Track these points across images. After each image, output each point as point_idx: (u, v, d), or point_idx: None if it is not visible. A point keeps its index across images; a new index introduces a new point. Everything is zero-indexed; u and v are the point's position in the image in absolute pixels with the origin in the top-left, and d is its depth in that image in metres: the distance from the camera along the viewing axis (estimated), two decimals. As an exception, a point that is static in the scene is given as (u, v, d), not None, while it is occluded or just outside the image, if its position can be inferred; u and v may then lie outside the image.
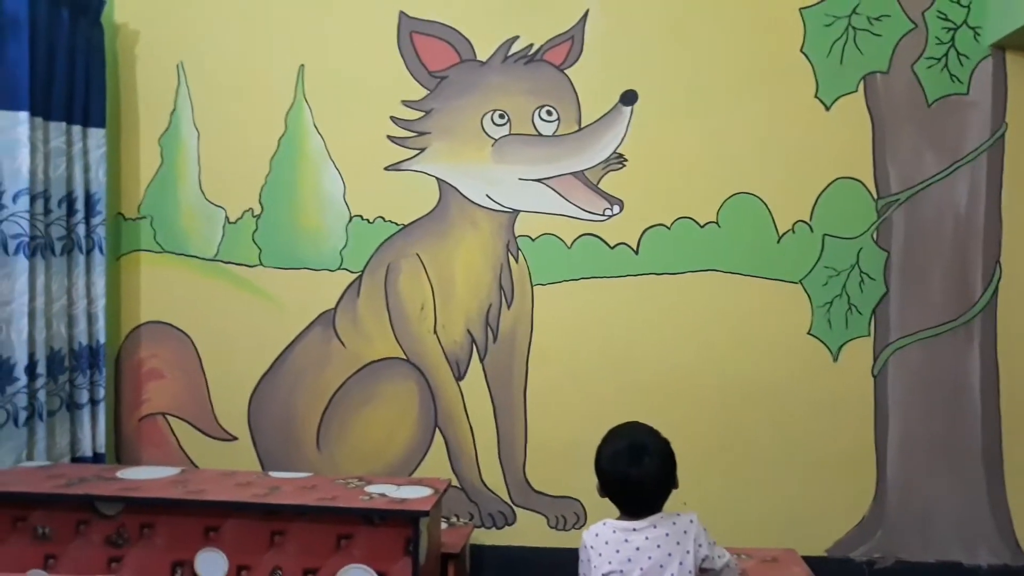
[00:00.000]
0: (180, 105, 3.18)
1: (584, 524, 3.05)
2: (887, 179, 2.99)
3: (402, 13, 3.07)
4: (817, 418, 3.00)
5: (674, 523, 1.91)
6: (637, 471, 1.91)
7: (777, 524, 2.99)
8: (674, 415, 2.94)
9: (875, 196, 2.98)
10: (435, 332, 3.09)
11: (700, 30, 3.01)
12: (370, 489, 2.32)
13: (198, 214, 3.17)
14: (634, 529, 1.90)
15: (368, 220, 3.11)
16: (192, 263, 3.18)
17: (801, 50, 2.98)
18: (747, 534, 2.87)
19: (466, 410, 3.09)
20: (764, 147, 3.00)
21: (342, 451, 3.12)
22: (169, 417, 3.19)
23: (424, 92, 3.07)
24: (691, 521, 1.92)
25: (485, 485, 3.09)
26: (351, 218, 3.11)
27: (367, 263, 3.11)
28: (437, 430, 3.10)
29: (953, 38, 2.95)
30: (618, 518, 1.96)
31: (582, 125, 3.04)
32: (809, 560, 2.59)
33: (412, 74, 3.08)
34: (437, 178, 3.09)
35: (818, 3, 2.96)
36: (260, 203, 3.14)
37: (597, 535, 1.92)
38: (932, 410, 2.99)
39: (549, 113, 3.04)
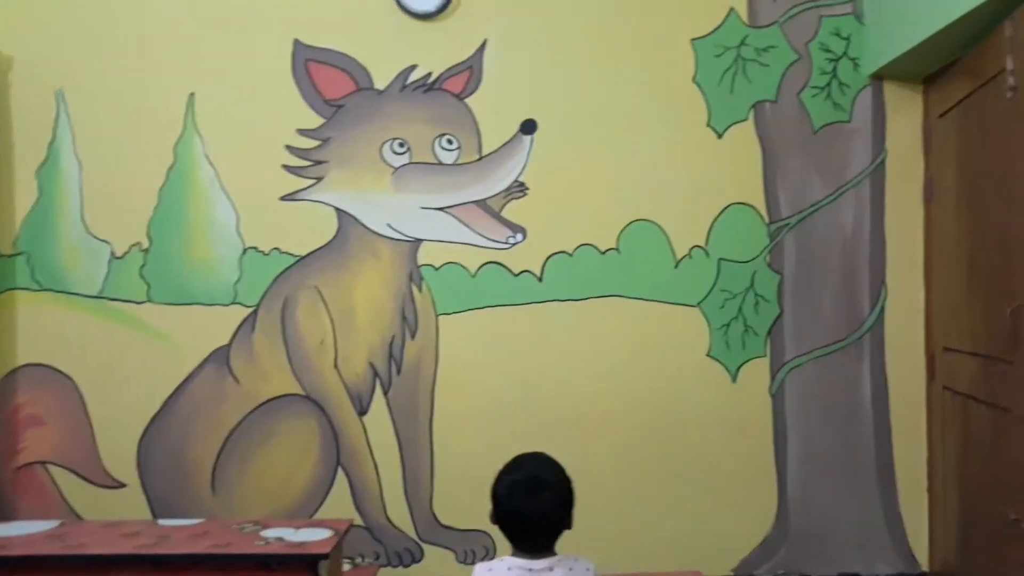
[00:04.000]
0: (59, 135, 3.01)
1: (493, 557, 2.99)
2: (778, 204, 3.08)
3: (297, 41, 3.01)
4: (718, 439, 3.05)
5: (571, 568, 1.86)
6: (532, 506, 1.86)
7: (683, 545, 3.01)
8: (579, 440, 2.97)
9: (767, 220, 3.07)
10: (336, 366, 3.00)
11: (597, 60, 3.05)
12: (266, 533, 2.22)
13: (80, 249, 3.00)
14: (530, 570, 1.84)
15: (263, 252, 3.01)
16: (74, 301, 3.00)
17: (693, 80, 3.06)
18: (653, 557, 2.89)
19: (369, 446, 3.01)
20: (661, 174, 3.06)
21: (239, 493, 2.98)
22: (49, 466, 2.99)
23: (320, 120, 3.01)
24: (587, 569, 1.88)
25: (391, 522, 3.00)
26: (245, 250, 3.01)
27: (263, 296, 3.00)
28: (340, 468, 3.00)
29: (835, 68, 3.08)
30: (513, 554, 1.91)
31: (483, 154, 3.03)
32: (716, 581, 2.63)
33: (308, 102, 3.01)
34: (335, 208, 3.02)
35: (709, 34, 3.06)
36: (148, 236, 3.00)
37: (491, 570, 1.87)
38: (828, 426, 3.08)
39: (450, 142, 3.02)
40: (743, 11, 3.06)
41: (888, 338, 3.08)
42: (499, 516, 1.90)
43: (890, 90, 3.09)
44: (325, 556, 2.05)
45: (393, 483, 3.01)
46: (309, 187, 3.01)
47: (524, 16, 3.04)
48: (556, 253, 3.03)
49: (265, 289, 3.00)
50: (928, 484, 3.05)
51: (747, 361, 3.06)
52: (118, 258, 2.99)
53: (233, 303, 3.00)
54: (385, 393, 3.02)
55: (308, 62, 3.01)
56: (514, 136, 3.03)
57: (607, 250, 3.04)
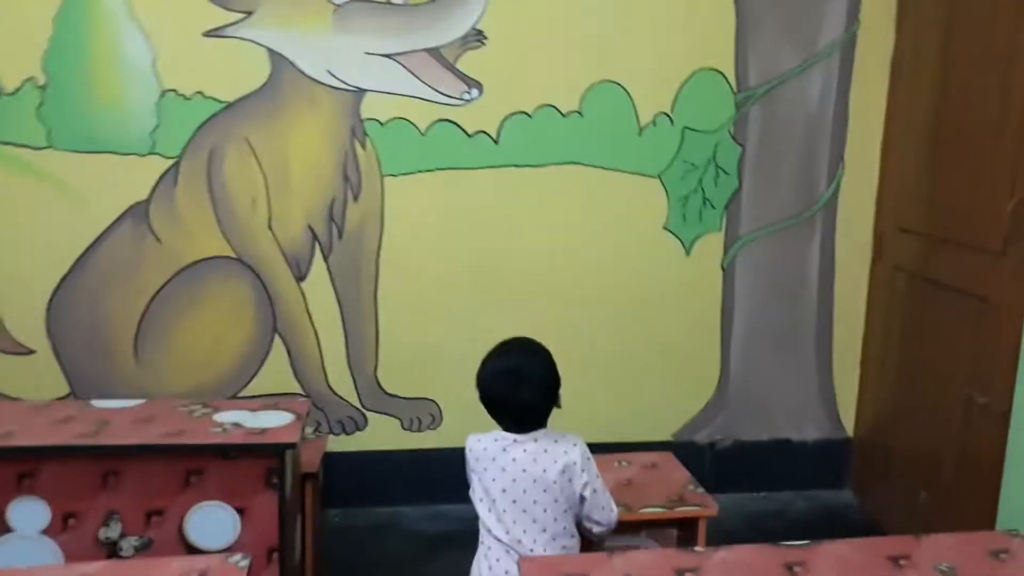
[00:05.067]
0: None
1: (439, 424, 2.94)
2: (747, 72, 2.92)
3: None
4: (668, 311, 3.01)
5: (556, 441, 1.82)
6: (514, 396, 1.79)
7: (626, 412, 3.03)
8: (528, 309, 2.88)
9: (735, 90, 2.92)
10: (270, 227, 2.74)
11: None
12: (220, 418, 2.04)
13: (-41, 83, 2.55)
14: (515, 441, 1.80)
15: (185, 96, 2.64)
16: (-46, 143, 2.58)
17: (671, -72, 2.79)
18: (601, 424, 2.89)
19: (309, 313, 2.81)
20: (630, 32, 2.82)
21: (166, 362, 2.76)
22: (-58, 331, 2.67)
23: (252, -59, 2.59)
24: (574, 444, 1.84)
25: (333, 391, 2.87)
26: (163, 93, 2.63)
27: (185, 147, 2.66)
28: (276, 336, 2.81)
29: (819, -74, 2.87)
30: (505, 429, 1.85)
31: (438, -6, 2.70)
32: (656, 444, 2.68)
33: (236, -81, 2.57)
34: (268, 48, 2.65)
35: None
36: (45, 71, 2.56)
37: (479, 441, 1.82)
38: (774, 301, 3.09)
39: (402, -23, 2.67)
40: None
41: (840, 216, 3.06)
42: (484, 402, 1.83)
43: (871, -48, 2.91)
44: (292, 445, 1.90)
45: (335, 351, 2.85)
46: (238, 22, 2.61)
47: None
48: (515, 113, 2.79)
49: (188, 139, 2.65)
50: (861, 359, 3.16)
51: (702, 235, 2.99)
52: (8, 94, 2.56)
53: (151, 153, 2.64)
54: (325, 258, 2.80)
55: None
56: (474, -24, 2.71)
57: (569, 112, 2.82)
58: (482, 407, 1.80)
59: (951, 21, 2.66)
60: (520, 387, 1.79)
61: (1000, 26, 2.40)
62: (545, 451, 1.78)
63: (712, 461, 3.10)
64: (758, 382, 3.14)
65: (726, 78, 2.90)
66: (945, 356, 2.61)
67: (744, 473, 3.12)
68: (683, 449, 2.62)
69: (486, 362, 1.85)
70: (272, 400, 2.25)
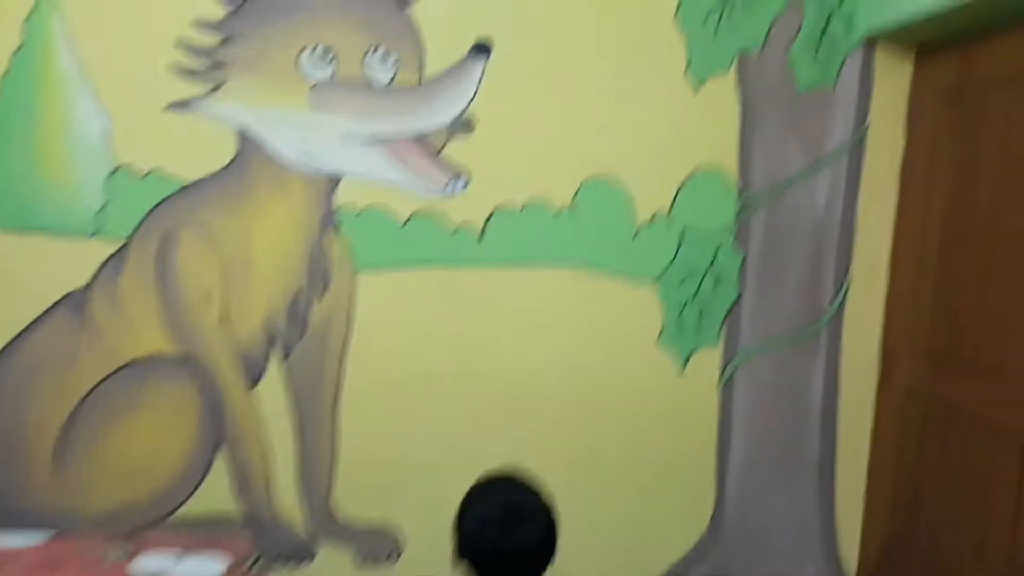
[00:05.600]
0: None
1: (398, 558, 2.58)
2: (751, 173, 2.73)
3: (196, -96, 2.34)
4: (660, 433, 2.72)
5: None
6: (509, 543, 1.49)
7: (611, 547, 2.71)
8: (508, 426, 2.61)
9: (738, 190, 2.72)
10: (224, 324, 2.44)
11: (569, -22, 2.56)
12: (137, 568, 1.68)
13: None
14: None
15: (139, 173, 2.37)
16: None
17: (675, 16, 2.62)
18: (584, 563, 2.58)
19: (260, 423, 2.49)
20: (628, 124, 2.62)
21: (91, 474, 2.40)
22: None
23: (224, 11, 2.37)
24: None
25: (278, 516, 2.52)
26: (115, 169, 2.36)
27: (135, 230, 2.38)
28: (221, 448, 2.48)
29: (827, 23, 2.72)
30: None
31: (425, 76, 2.50)
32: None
33: (208, -14, 2.37)
34: (235, 125, 2.41)
35: (698, -34, 2.62)
36: (-20, 138, 2.29)
37: None
38: (775, 423, 2.82)
39: (386, 57, 2.46)
40: (737, -61, 2.64)
41: (846, 332, 2.84)
42: (469, 554, 1.52)
43: (882, 56, 2.77)
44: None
45: (284, 469, 2.51)
46: (204, 96, 2.38)
47: (490, -86, 2.49)
48: (502, 207, 2.57)
49: (139, 221, 2.37)
50: (866, 490, 2.88)
51: (699, 349, 2.74)
52: (-65, 163, 2.28)
53: (96, 235, 2.36)
54: (284, 359, 2.50)
55: (210, -66, 2.35)
56: (464, 59, 2.50)
57: (560, 208, 2.60)
58: (454, 548, 1.49)
59: (965, 124, 2.51)
60: (519, 529, 1.49)
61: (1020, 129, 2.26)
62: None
63: (706, 600, 2.78)
64: (755, 515, 2.83)
65: (728, 178, 2.72)
66: (966, 493, 2.36)
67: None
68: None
69: (468, 506, 1.54)
70: (205, 536, 1.91)
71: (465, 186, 2.53)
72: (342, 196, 2.48)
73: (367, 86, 2.46)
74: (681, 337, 2.73)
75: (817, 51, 2.73)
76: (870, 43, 2.75)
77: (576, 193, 2.61)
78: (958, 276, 2.50)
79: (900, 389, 2.74)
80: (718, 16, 2.65)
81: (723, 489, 2.81)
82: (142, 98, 2.35)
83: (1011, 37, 2.35)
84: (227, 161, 2.41)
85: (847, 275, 2.82)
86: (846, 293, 2.82)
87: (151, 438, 2.42)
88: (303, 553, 2.53)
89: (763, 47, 2.68)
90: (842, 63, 2.74)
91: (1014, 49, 2.34)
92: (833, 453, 2.87)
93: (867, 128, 2.78)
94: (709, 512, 2.80)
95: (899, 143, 2.80)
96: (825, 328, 2.82)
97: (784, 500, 2.85)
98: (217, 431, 2.46)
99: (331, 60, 2.43)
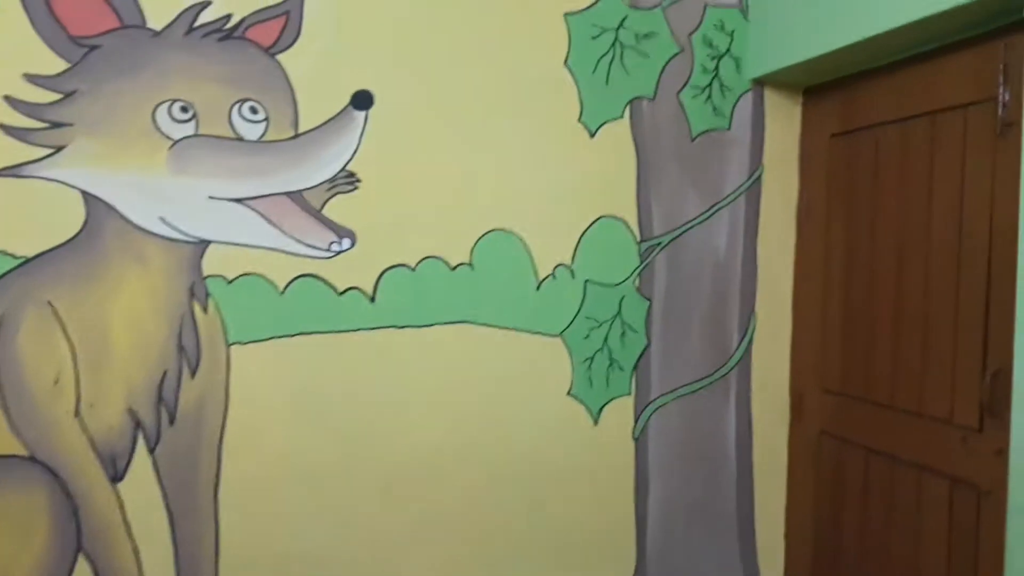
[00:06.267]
0: None
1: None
2: (650, 219, 2.64)
3: (28, -56, 2.07)
4: (576, 491, 2.57)
5: None
6: None
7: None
8: (411, 503, 2.39)
9: (638, 238, 2.62)
10: (77, 415, 2.13)
11: (454, 22, 2.40)
12: None
13: None
14: None
15: (-33, 249, 2.06)
16: None
17: (565, 63, 2.52)
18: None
19: (127, 522, 2.17)
20: (524, 174, 2.48)
21: (-82, 603, 2.04)
22: None
23: (64, 65, 2.08)
24: None
25: (153, 629, 2.21)
26: (-62, 245, 2.04)
27: (-35, 314, 2.06)
28: (79, 556, 2.15)
29: (717, 67, 2.68)
30: None
31: (299, 130, 2.28)
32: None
33: (43, 37, 2.07)
34: (82, 191, 2.11)
35: (585, 9, 2.52)
36: None
37: None
38: (691, 472, 2.71)
39: (254, 110, 2.23)
40: (624, -14, 2.57)
41: (755, 373, 2.77)
42: None
43: (771, 97, 2.75)
44: None
45: (164, 567, 2.21)
46: (42, 159, 2.08)
47: (364, -46, 2.33)
48: (394, 266, 2.36)
49: (-32, 304, 2.05)
50: (785, 533, 2.80)
51: (611, 400, 2.61)
52: None
53: (-86, 324, 2.02)
54: (151, 451, 2.19)
55: (45, -23, 2.08)
56: (343, 110, 2.31)
57: (458, 265, 2.42)
58: None
59: (854, 161, 2.51)
60: None
61: (914, 166, 2.26)
62: None
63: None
64: (677, 564, 2.71)
65: (628, 226, 2.61)
66: (892, 533, 2.30)
67: None
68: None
69: None
70: None
71: (352, 245, 2.33)
72: (211, 264, 2.22)
73: (235, 142, 2.22)
74: (591, 391, 2.59)
75: (709, 96, 2.68)
76: (759, 86, 2.73)
77: (473, 248, 2.44)
78: (864, 314, 2.47)
79: (812, 431, 2.68)
80: (608, 63, 2.56)
81: (643, 548, 2.66)
82: (-33, 163, 2.04)
83: (888, 79, 2.38)
84: (73, 232, 2.11)
85: (752, 317, 2.76)
86: (752, 335, 2.76)
87: (-8, 557, 2.07)
88: (181, 674, 2.21)
89: (655, 93, 2.61)
90: (733, 107, 2.71)
91: (890, 90, 2.37)
92: (751, 499, 2.78)
93: (762, 170, 2.75)
94: (632, 567, 2.65)
95: (794, 183, 2.79)
96: (735, 371, 2.74)
97: (705, 549, 2.74)
98: (74, 537, 2.12)
99: (191, 117, 2.18)
